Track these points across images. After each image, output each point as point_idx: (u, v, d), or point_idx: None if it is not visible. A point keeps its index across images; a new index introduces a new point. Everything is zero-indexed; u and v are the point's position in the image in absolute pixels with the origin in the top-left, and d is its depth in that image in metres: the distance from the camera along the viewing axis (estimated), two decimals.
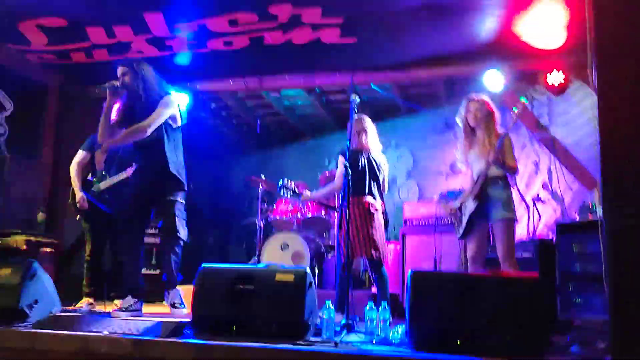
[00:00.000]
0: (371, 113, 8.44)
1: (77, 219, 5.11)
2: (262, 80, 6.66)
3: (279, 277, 3.12)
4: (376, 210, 4.54)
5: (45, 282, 3.55)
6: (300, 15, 5.20)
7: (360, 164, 4.53)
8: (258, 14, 5.19)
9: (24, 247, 5.24)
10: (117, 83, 4.15)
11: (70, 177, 6.50)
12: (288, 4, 5.03)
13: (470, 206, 4.07)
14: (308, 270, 3.19)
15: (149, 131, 4.06)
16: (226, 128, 9.16)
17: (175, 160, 4.21)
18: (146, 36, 5.65)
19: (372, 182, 4.59)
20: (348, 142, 3.93)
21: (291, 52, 5.95)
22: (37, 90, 6.67)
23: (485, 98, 4.28)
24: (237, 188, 9.36)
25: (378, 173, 4.68)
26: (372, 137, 4.75)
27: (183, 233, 4.15)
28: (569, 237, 4.28)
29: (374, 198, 4.56)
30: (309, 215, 6.35)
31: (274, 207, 6.66)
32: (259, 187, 6.76)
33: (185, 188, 4.24)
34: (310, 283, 3.18)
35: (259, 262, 5.91)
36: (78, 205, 4.96)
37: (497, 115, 4.21)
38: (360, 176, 4.50)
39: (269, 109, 8.21)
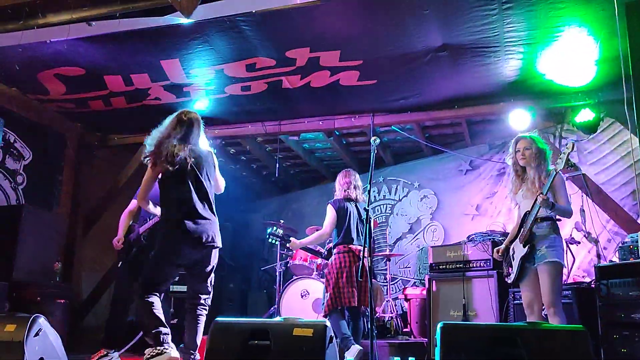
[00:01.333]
0: (393, 155, 8.36)
1: (119, 265, 5.04)
2: (280, 124, 6.58)
3: (297, 331, 2.90)
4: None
5: (51, 339, 3.37)
6: (318, 59, 5.14)
7: (349, 213, 4.87)
8: (276, 59, 5.15)
9: (38, 298, 5.10)
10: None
11: (88, 228, 6.48)
12: (306, 48, 4.98)
13: (520, 250, 3.85)
14: (328, 323, 2.96)
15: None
16: (245, 172, 9.08)
17: None
18: (163, 83, 5.65)
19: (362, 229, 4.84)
20: (369, 185, 3.75)
21: (310, 96, 5.89)
22: (56, 139, 6.68)
23: (536, 135, 4.14)
24: (257, 233, 9.19)
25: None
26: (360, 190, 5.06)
27: None
28: (610, 282, 3.98)
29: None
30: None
31: (294, 252, 6.46)
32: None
33: None
34: (331, 337, 2.95)
35: (278, 310, 5.67)
36: (115, 244, 4.93)
37: (549, 153, 4.01)
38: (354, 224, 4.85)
39: (288, 152, 8.11)
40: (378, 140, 3.89)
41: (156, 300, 3.69)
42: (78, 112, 6.38)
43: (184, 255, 3.69)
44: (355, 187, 4.95)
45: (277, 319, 3.13)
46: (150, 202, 4.01)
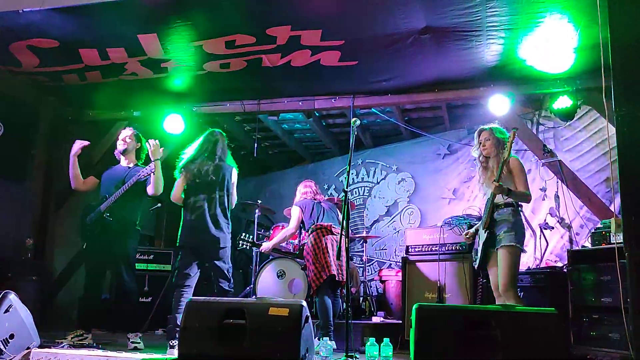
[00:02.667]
0: (372, 137, 8.36)
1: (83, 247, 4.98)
2: (260, 104, 6.50)
3: (272, 311, 2.90)
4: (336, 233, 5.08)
5: (22, 315, 3.31)
6: (299, 37, 5.04)
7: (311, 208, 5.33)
8: (256, 36, 5.04)
9: (9, 274, 5.00)
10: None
11: (61, 203, 6.33)
12: (287, 26, 4.88)
13: (482, 236, 3.95)
14: (304, 303, 2.96)
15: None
16: None
17: None
18: (140, 58, 5.49)
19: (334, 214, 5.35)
20: (348, 167, 3.74)
21: (290, 75, 5.80)
22: (29, 112, 6.49)
23: (495, 126, 4.24)
24: (234, 213, 9.12)
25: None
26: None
27: None
28: (582, 265, 4.05)
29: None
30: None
31: (271, 232, 6.44)
32: (255, 211, 6.58)
33: None
34: (307, 317, 2.95)
35: (254, 290, 5.66)
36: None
37: (509, 142, 4.06)
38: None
39: (267, 132, 8.06)
40: (358, 122, 3.87)
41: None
42: (52, 85, 6.20)
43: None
44: (316, 193, 5.48)
45: (253, 298, 3.11)
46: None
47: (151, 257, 6.72)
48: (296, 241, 6.14)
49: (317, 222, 5.16)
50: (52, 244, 6.49)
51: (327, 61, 5.44)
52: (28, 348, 3.19)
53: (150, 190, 4.85)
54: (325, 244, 4.93)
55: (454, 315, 2.74)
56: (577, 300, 4.07)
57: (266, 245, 5.39)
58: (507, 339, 2.58)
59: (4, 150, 6.10)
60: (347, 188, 3.60)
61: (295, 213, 5.32)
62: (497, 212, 3.95)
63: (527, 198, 3.99)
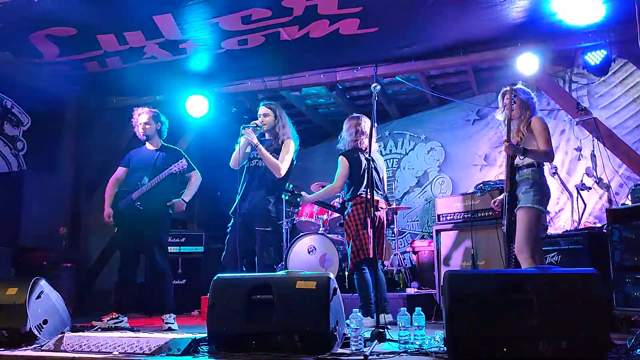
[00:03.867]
0: (398, 107, 8.18)
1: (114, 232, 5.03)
2: (281, 80, 6.41)
3: (299, 284, 2.84)
4: (382, 208, 4.63)
5: (54, 301, 3.35)
6: (316, 7, 4.92)
7: (364, 164, 4.54)
8: (272, 9, 4.94)
9: (44, 262, 5.09)
10: (259, 122, 4.51)
11: (92, 191, 6.39)
12: None
13: (506, 199, 3.80)
14: (331, 275, 2.89)
15: (283, 172, 4.40)
16: None
17: None
18: (158, 40, 5.46)
19: (377, 180, 4.63)
20: (370, 132, 3.62)
21: (309, 48, 5.70)
22: (54, 103, 6.56)
23: (519, 86, 4.04)
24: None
25: (380, 171, 4.75)
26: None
27: None
28: (623, 225, 3.87)
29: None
30: (336, 215, 6.05)
31: (299, 209, 6.39)
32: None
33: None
34: (335, 289, 2.89)
35: (285, 267, 5.65)
36: (106, 220, 4.87)
37: (532, 102, 3.88)
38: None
39: (291, 109, 7.95)
40: (379, 87, 3.75)
41: None
42: (75, 74, 6.23)
43: None
44: (363, 134, 4.70)
45: (279, 272, 3.07)
46: None
47: (183, 239, 6.77)
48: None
49: (358, 184, 4.55)
50: (86, 231, 6.59)
51: (346, 30, 5.31)
52: (62, 332, 3.21)
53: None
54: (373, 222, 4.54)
55: (485, 281, 2.63)
56: (619, 260, 3.90)
57: (308, 197, 4.80)
58: (543, 303, 2.47)
59: (32, 142, 6.20)
60: (369, 155, 3.48)
61: (343, 166, 4.65)
62: (518, 173, 3.81)
63: (548, 157, 3.79)
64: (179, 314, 5.02)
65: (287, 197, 4.68)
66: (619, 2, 4.75)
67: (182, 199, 4.92)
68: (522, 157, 3.75)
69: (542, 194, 3.69)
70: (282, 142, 4.51)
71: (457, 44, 5.67)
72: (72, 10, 4.85)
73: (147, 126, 4.98)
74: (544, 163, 3.83)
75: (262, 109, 4.63)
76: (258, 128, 4.49)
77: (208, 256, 6.88)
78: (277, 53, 5.83)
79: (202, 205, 8.65)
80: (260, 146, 4.37)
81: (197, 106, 6.46)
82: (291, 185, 4.58)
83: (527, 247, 3.57)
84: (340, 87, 7.30)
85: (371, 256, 4.28)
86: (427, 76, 7.05)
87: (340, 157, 4.70)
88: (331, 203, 5.64)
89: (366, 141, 4.58)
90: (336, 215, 6.07)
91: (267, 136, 4.62)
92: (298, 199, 4.72)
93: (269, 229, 4.37)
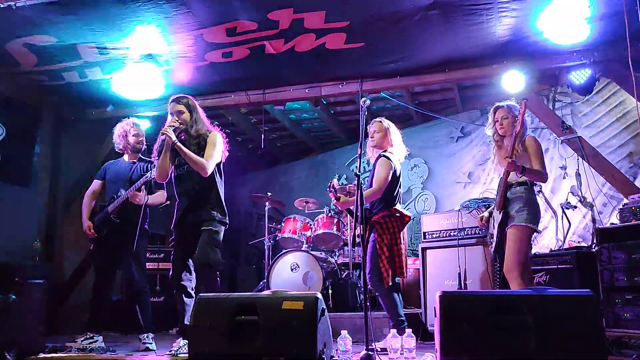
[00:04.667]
0: None
1: (91, 247, 4.85)
2: (265, 93, 6.31)
3: (286, 304, 2.72)
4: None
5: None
6: (302, 20, 4.86)
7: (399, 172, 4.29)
8: (257, 22, 4.86)
9: (16, 279, 4.85)
10: (177, 123, 4.02)
11: (68, 205, 6.18)
12: (289, 9, 4.70)
13: (497, 217, 3.75)
14: (319, 295, 2.78)
15: (210, 170, 4.00)
16: (231, 146, 8.78)
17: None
18: (140, 51, 5.34)
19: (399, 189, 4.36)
20: (359, 149, 3.53)
21: (294, 62, 5.62)
22: (31, 113, 6.37)
23: (512, 103, 4.02)
24: (245, 207, 8.99)
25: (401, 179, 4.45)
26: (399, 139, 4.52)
27: None
28: (613, 244, 3.83)
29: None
30: (320, 232, 5.94)
31: (283, 225, 6.28)
32: (265, 205, 6.41)
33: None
34: (323, 310, 2.78)
35: (267, 285, 5.50)
36: (87, 233, 4.71)
37: (525, 120, 3.84)
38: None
39: (274, 123, 7.87)
40: (368, 102, 3.66)
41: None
42: (53, 84, 6.06)
43: None
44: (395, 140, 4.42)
45: (265, 292, 2.94)
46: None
47: (162, 255, 6.58)
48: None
49: (397, 193, 4.18)
50: (61, 246, 6.37)
51: (332, 44, 5.26)
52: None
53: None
54: (402, 239, 4.17)
55: (480, 301, 2.54)
56: (608, 280, 3.85)
57: (345, 200, 4.11)
58: (540, 324, 2.39)
59: (7, 154, 5.98)
60: (359, 172, 3.39)
61: (386, 169, 4.14)
62: (509, 191, 3.75)
63: (543, 177, 3.76)
64: (157, 332, 4.84)
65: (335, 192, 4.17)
66: (604, 22, 4.78)
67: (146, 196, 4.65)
68: (518, 175, 3.68)
69: (535, 212, 3.64)
70: (206, 138, 4.08)
71: (443, 60, 5.66)
72: (51, 19, 4.72)
73: (141, 139, 4.86)
74: (536, 183, 3.79)
75: (173, 106, 4.11)
76: (173, 128, 3.99)
77: None
78: (261, 66, 5.74)
79: None
80: (180, 145, 3.92)
81: None
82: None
83: (517, 266, 3.51)
84: (324, 102, 7.24)
85: (405, 276, 4.14)
86: (411, 93, 7.04)
87: (382, 158, 4.20)
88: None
89: (395, 146, 4.41)
90: (320, 232, 5.95)
91: (183, 136, 4.09)
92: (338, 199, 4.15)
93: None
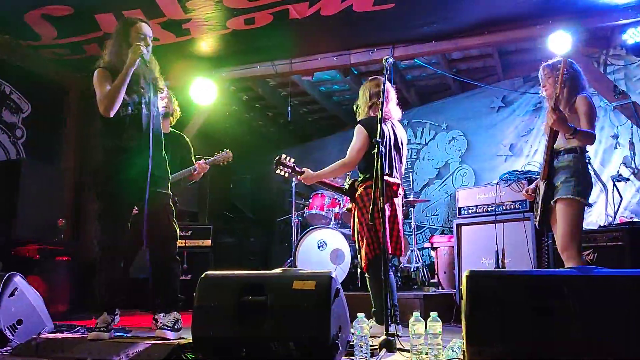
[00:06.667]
0: (418, 94, 7.75)
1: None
2: (292, 63, 6.02)
3: (297, 284, 2.47)
4: (400, 194, 3.79)
5: (31, 299, 3.03)
6: None
7: (385, 136, 3.64)
8: None
9: (37, 256, 4.80)
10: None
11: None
12: None
13: (541, 188, 3.34)
14: (334, 274, 2.51)
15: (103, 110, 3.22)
16: (262, 121, 8.61)
17: None
18: (160, 20, 5.13)
19: (397, 158, 3.78)
20: (380, 113, 3.21)
21: (321, 27, 5.33)
22: (56, 89, 6.30)
23: (558, 59, 3.52)
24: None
25: (401, 147, 3.86)
26: (394, 103, 3.90)
27: None
28: None
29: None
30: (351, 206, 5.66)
31: (310, 201, 6.02)
32: (292, 180, 6.10)
33: None
34: (338, 290, 2.51)
35: (294, 263, 5.28)
36: None
37: (582, 78, 3.41)
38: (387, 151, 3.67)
39: (304, 96, 7.58)
40: (391, 60, 3.37)
41: None
42: (76, 58, 5.94)
43: None
44: (386, 99, 3.65)
45: (276, 270, 2.69)
46: None
47: (189, 233, 6.44)
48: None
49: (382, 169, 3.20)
50: (88, 223, 6.30)
51: (360, 6, 4.91)
52: (39, 333, 2.90)
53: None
54: (391, 211, 3.64)
55: (513, 282, 2.22)
56: None
57: (312, 174, 3.80)
58: (584, 310, 2.05)
59: (33, 131, 5.93)
60: (378, 137, 3.08)
61: (360, 136, 3.68)
62: (556, 159, 3.32)
63: (591, 138, 3.27)
64: (184, 311, 4.68)
65: (282, 172, 3.80)
66: None
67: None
68: (567, 138, 3.26)
69: (585, 183, 3.21)
70: None
71: (482, 22, 5.24)
72: None
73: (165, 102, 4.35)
74: (587, 150, 3.36)
75: None
76: None
77: (217, 251, 6.55)
78: (286, 33, 5.47)
79: (214, 198, 8.38)
80: None
81: (203, 92, 6.10)
82: (291, 159, 3.71)
83: (573, 243, 3.12)
84: (355, 71, 6.89)
85: (391, 252, 3.59)
86: (449, 60, 6.62)
87: (358, 125, 3.77)
88: (338, 185, 4.45)
89: (391, 107, 3.80)
90: (350, 205, 5.66)
91: None
92: (298, 176, 3.82)
93: None
